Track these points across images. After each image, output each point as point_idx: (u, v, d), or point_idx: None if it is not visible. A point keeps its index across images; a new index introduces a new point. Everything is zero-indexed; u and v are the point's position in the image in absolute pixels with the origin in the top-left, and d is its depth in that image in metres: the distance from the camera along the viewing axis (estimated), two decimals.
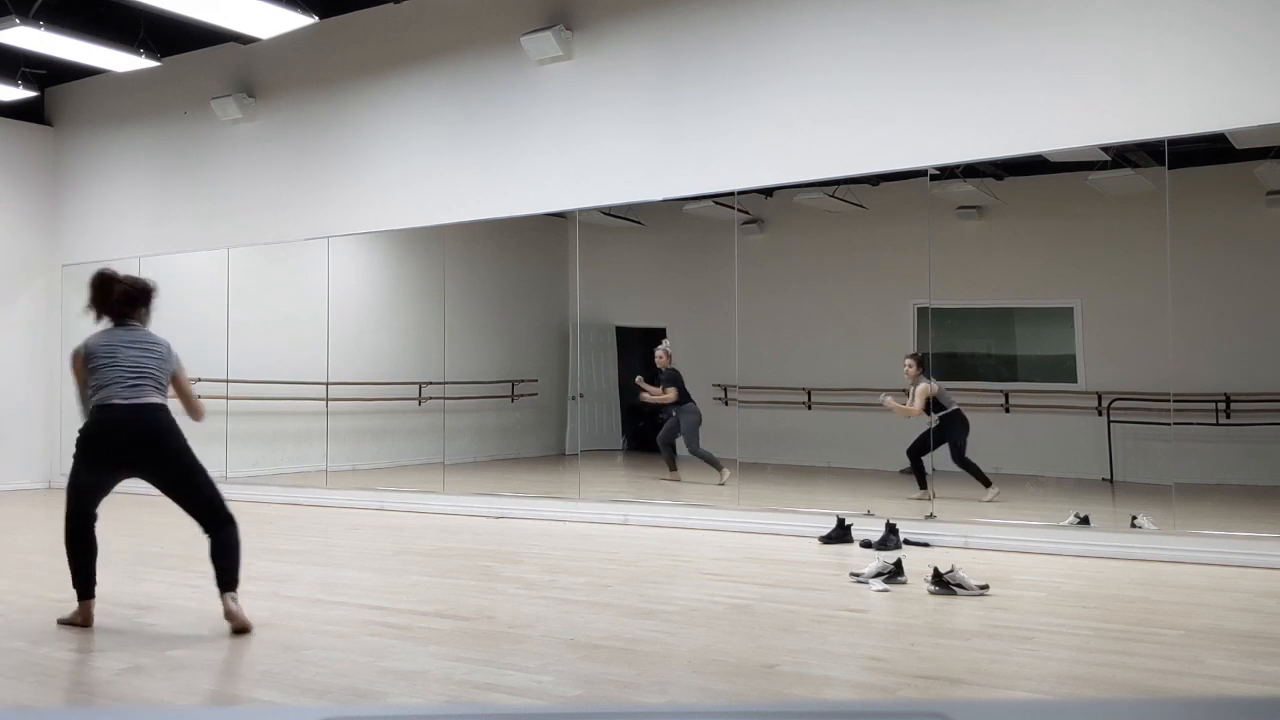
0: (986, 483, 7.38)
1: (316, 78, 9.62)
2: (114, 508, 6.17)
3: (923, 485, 7.40)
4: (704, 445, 8.73)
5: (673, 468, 8.98)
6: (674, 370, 9.03)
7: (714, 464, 8.53)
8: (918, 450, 7.54)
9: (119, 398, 4.38)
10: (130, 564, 6.16)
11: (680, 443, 9.18)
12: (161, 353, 4.56)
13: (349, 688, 3.51)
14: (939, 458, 7.46)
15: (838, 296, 9.15)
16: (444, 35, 8.94)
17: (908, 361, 7.69)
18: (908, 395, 7.62)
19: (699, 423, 8.86)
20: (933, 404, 7.49)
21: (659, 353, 9.10)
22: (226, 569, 4.43)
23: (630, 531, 7.39)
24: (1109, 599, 4.97)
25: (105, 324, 4.61)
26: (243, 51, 9.88)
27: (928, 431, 7.42)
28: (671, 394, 8.92)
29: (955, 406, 7.57)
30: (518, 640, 4.17)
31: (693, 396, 8.94)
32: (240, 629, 4.33)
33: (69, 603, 4.89)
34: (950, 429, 7.52)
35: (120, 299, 4.57)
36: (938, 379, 7.63)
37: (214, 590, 4.45)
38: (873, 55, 7.07)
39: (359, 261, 10.11)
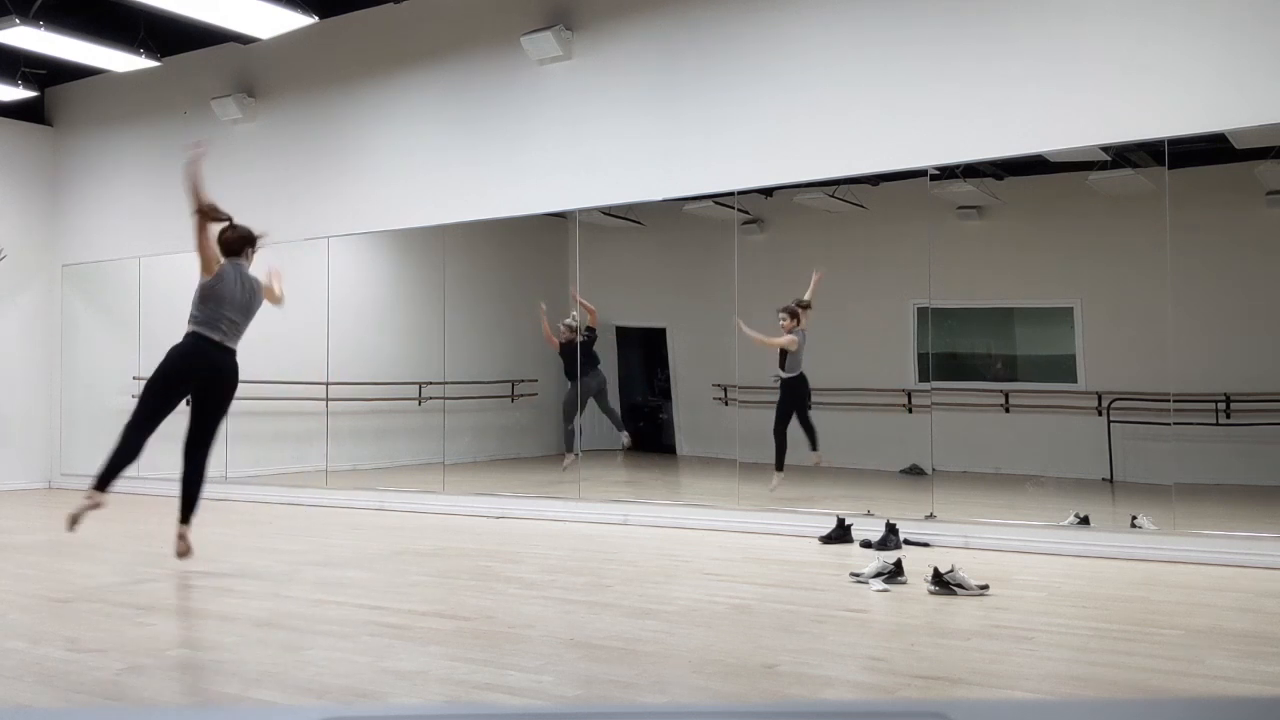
0: (779, 466, 7.81)
1: (316, 78, 9.62)
2: (114, 507, 6.15)
3: (780, 467, 7.81)
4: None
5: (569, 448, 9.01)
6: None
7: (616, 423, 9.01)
8: (780, 424, 7.88)
9: (217, 335, 5.47)
10: (130, 564, 6.17)
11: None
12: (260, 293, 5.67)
13: (349, 688, 3.51)
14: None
15: (838, 296, 9.13)
16: (444, 35, 8.93)
17: (781, 315, 7.90)
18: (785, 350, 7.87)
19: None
20: (782, 359, 7.83)
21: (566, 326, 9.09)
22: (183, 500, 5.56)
23: (630, 531, 7.39)
24: (1109, 599, 4.97)
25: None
26: (243, 51, 9.88)
27: (780, 402, 7.89)
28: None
29: (799, 373, 7.88)
30: (518, 640, 4.17)
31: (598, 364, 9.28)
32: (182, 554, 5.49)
33: (68, 603, 4.90)
34: (785, 395, 7.90)
35: (233, 241, 5.59)
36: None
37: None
38: (872, 55, 7.07)
39: (359, 261, 10.11)
